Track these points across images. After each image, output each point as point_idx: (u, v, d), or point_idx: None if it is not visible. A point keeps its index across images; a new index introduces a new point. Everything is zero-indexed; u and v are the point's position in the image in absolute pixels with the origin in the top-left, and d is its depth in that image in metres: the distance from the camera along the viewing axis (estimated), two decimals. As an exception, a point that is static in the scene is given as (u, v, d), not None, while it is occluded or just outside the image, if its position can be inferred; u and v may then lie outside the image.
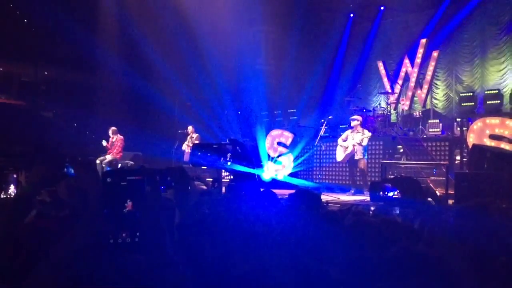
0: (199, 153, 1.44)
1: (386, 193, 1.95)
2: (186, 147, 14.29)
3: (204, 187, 5.04)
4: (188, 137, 14.31)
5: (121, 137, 12.71)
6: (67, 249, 1.31)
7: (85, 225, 1.33)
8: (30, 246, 1.78)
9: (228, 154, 1.43)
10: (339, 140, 11.23)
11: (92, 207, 1.36)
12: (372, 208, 5.01)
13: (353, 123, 11.02)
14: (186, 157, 14.16)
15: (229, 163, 1.46)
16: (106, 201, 1.30)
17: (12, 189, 2.76)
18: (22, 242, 1.81)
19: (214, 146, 1.43)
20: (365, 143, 10.78)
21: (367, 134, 10.79)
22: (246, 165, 1.48)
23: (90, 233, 1.31)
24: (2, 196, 2.75)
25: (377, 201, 2.05)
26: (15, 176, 2.76)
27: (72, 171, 1.83)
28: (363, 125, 11.86)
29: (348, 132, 11.14)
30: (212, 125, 16.55)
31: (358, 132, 10.85)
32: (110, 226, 1.30)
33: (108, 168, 11.37)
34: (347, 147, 10.92)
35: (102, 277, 1.41)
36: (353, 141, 10.79)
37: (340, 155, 11.20)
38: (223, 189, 5.78)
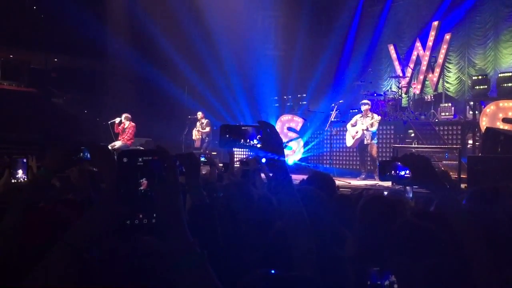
0: (227, 135, 1.41)
1: (396, 172, 1.89)
2: (196, 132, 14.29)
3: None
4: (198, 123, 14.31)
5: (133, 124, 12.74)
6: (84, 232, 1.29)
7: (101, 207, 1.31)
8: (45, 229, 1.78)
9: (258, 136, 1.40)
10: (348, 125, 11.18)
11: (109, 190, 1.35)
12: (385, 193, 4.99)
13: (362, 108, 10.95)
14: (197, 143, 14.18)
15: (258, 146, 1.44)
16: (122, 181, 1.28)
17: (20, 174, 2.75)
18: (37, 226, 1.81)
19: (243, 127, 1.41)
20: (375, 127, 10.72)
21: (377, 118, 10.72)
22: (275, 148, 1.44)
23: (106, 214, 1.30)
24: (12, 181, 2.75)
25: (386, 180, 1.99)
26: (24, 160, 2.74)
27: (88, 155, 1.82)
28: (373, 109, 11.77)
29: (357, 116, 11.07)
30: (222, 110, 16.52)
31: (368, 116, 10.78)
32: (126, 207, 1.28)
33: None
34: (356, 132, 10.87)
35: (120, 258, 1.41)
36: (362, 125, 10.73)
37: (349, 140, 11.15)
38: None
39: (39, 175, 1.94)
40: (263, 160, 5.20)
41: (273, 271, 1.48)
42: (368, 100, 11.66)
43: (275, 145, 1.65)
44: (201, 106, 15.68)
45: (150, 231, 1.31)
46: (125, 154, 1.30)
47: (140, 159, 1.29)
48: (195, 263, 1.23)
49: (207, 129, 14.05)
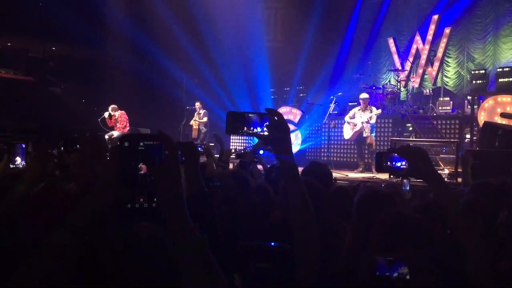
0: (233, 122, 1.41)
1: (393, 163, 1.89)
2: (194, 123, 14.28)
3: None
4: (196, 114, 14.30)
5: (123, 111, 12.68)
6: (84, 213, 1.29)
7: (102, 189, 1.30)
8: (45, 214, 1.77)
9: (265, 124, 1.40)
10: (346, 118, 11.17)
11: (107, 174, 1.34)
12: (383, 185, 5.00)
13: (361, 101, 10.95)
14: (194, 133, 14.17)
15: (265, 133, 1.43)
16: (122, 165, 1.28)
17: (19, 160, 2.74)
18: (34, 215, 1.81)
19: (250, 115, 1.40)
20: (373, 120, 10.73)
21: (376, 111, 10.72)
22: (282, 136, 1.44)
23: (107, 197, 1.29)
24: (11, 166, 2.74)
25: (383, 172, 1.99)
26: (23, 146, 2.72)
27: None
28: (372, 102, 11.76)
29: (356, 109, 11.06)
30: (219, 101, 16.49)
31: (367, 109, 10.77)
32: (127, 190, 1.27)
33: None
34: (355, 125, 10.86)
35: (121, 242, 1.40)
36: (361, 118, 10.72)
37: (347, 133, 11.15)
38: (231, 165, 5.78)
39: (16, 191, 1.95)
40: (261, 152, 5.23)
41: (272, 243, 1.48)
42: (367, 93, 11.64)
43: (282, 133, 1.63)
44: (199, 97, 15.65)
45: (150, 215, 1.31)
46: (127, 138, 1.30)
47: (142, 144, 1.29)
48: (196, 247, 1.23)
49: (205, 119, 14.05)
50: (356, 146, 11.54)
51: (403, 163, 1.84)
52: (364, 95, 11.06)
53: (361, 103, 10.93)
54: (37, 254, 1.24)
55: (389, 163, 1.88)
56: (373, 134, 10.94)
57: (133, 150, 1.28)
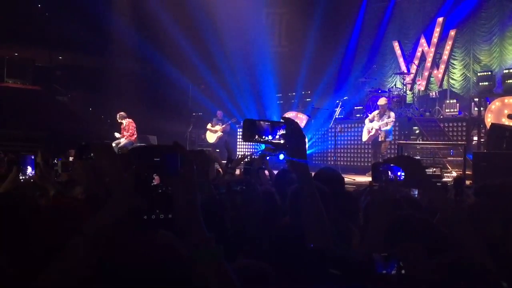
0: (250, 129, 1.41)
1: (393, 174, 1.90)
2: (219, 129, 14.37)
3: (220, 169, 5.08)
4: (217, 120, 14.47)
5: (130, 120, 12.60)
6: (101, 223, 1.30)
7: (119, 200, 1.31)
8: (51, 226, 1.79)
9: (281, 133, 1.39)
10: (366, 120, 11.15)
11: (116, 188, 1.35)
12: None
13: (380, 106, 10.93)
14: (216, 140, 14.30)
15: (281, 142, 1.44)
16: (137, 177, 1.29)
17: (29, 171, 2.77)
18: (42, 224, 1.83)
19: (266, 123, 1.40)
20: (389, 126, 10.69)
21: (393, 118, 10.67)
22: (298, 145, 1.44)
23: (124, 207, 1.30)
24: (21, 177, 2.77)
25: (379, 182, 1.99)
26: (32, 157, 2.75)
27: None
28: (376, 107, 11.74)
29: (375, 113, 11.06)
30: (226, 107, 16.53)
31: (385, 114, 10.75)
32: (144, 202, 1.28)
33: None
34: (372, 129, 10.86)
35: (138, 252, 1.42)
36: (378, 123, 10.72)
37: (365, 135, 11.17)
38: (237, 171, 5.78)
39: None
40: (281, 156, 5.23)
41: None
42: (385, 97, 11.54)
43: (298, 142, 1.64)
44: (205, 103, 15.70)
45: (167, 226, 1.33)
46: (143, 150, 1.32)
47: (157, 155, 1.30)
48: (212, 257, 1.24)
49: (228, 128, 14.41)
50: (371, 150, 11.54)
51: (400, 173, 1.86)
52: (381, 101, 11.02)
53: (380, 108, 10.94)
54: (56, 260, 1.26)
55: (389, 173, 1.90)
56: (390, 139, 10.90)
57: (148, 161, 1.30)
